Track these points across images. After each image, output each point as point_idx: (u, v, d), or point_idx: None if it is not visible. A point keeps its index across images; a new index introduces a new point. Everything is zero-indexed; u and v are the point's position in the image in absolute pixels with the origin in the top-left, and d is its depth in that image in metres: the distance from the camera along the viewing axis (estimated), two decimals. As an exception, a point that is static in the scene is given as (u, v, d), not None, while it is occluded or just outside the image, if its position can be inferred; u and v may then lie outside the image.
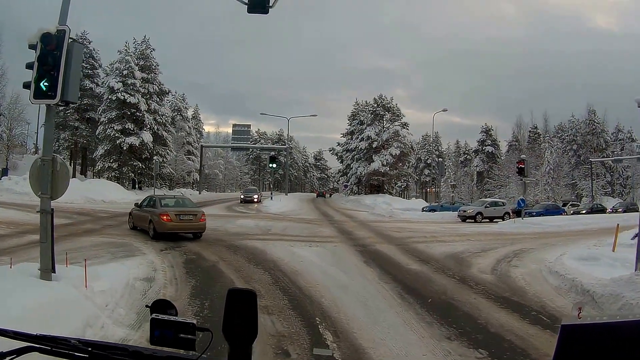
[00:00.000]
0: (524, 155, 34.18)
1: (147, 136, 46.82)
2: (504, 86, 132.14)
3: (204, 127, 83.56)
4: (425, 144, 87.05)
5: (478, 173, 74.67)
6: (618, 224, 14.20)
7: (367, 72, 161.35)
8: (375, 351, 5.57)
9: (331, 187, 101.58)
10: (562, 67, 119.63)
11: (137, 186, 49.05)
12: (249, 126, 68.06)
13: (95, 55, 53.04)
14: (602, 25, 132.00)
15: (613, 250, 12.70)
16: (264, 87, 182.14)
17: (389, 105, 59.57)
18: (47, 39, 6.18)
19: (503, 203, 33.97)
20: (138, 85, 47.07)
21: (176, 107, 62.34)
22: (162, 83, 51.86)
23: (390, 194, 57.21)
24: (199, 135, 73.81)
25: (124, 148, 46.38)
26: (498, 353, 5.63)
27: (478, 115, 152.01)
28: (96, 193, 33.25)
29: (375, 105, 59.71)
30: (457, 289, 9.22)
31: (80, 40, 50.80)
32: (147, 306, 1.66)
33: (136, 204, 17.31)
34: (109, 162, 46.86)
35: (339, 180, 76.99)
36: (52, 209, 6.37)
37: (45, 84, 6.14)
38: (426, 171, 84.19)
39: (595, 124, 67.59)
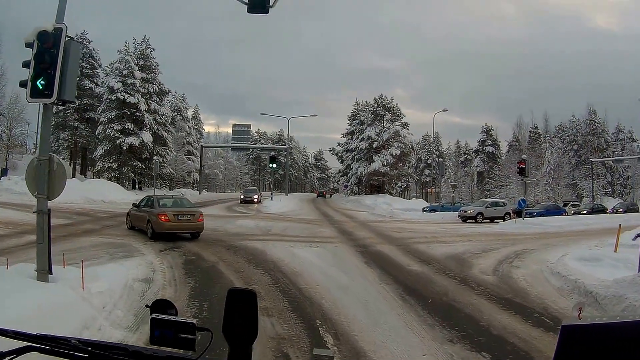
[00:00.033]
0: (525, 156, 34.10)
1: (147, 136, 46.74)
2: (504, 86, 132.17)
3: (204, 127, 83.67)
4: (426, 144, 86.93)
5: (478, 173, 74.58)
6: (620, 225, 14.10)
7: (367, 72, 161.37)
8: (377, 354, 5.48)
9: (331, 187, 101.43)
10: (562, 67, 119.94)
11: (137, 186, 48.97)
12: (249, 126, 68.00)
13: (95, 55, 52.98)
14: (602, 25, 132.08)
15: (615, 251, 12.61)
16: (264, 87, 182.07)
17: (389, 105, 59.49)
18: (44, 37, 6.09)
19: (504, 203, 33.89)
20: (138, 85, 46.98)
21: (176, 107, 62.27)
22: (162, 83, 51.80)
23: (391, 194, 57.10)
24: (199, 135, 73.74)
25: (124, 148, 46.30)
26: (501, 356, 5.55)
27: (478, 116, 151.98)
28: (96, 193, 33.19)
29: (376, 105, 59.62)
30: (459, 290, 9.13)
31: (79, 40, 51.07)
32: (147, 306, 1.66)
33: (134, 204, 17.30)
34: (109, 162, 46.77)
35: (339, 181, 76.89)
36: (49, 210, 6.29)
37: (42, 82, 6.05)
38: (426, 171, 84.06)
39: (595, 124, 67.52)
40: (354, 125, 66.31)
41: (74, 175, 48.51)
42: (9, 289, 5.44)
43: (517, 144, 73.32)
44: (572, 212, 40.43)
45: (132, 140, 45.95)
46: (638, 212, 40.36)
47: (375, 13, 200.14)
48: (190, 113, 69.76)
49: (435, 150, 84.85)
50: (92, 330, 5.38)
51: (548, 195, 57.57)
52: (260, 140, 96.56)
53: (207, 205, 36.48)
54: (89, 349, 1.52)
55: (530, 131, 75.80)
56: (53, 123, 50.84)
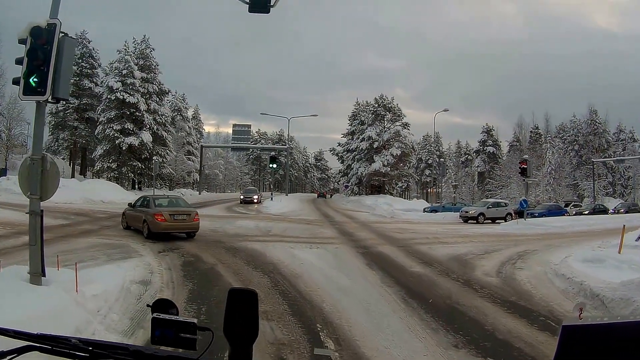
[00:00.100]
0: (527, 156, 33.88)
1: (146, 136, 46.58)
2: (504, 86, 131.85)
3: (204, 127, 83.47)
4: (426, 144, 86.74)
5: (479, 173, 74.41)
6: (624, 225, 13.91)
7: (368, 72, 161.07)
8: (379, 360, 5.32)
9: (332, 187, 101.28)
10: (563, 67, 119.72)
11: (136, 186, 48.80)
12: (249, 126, 67.80)
13: (94, 55, 52.79)
14: (602, 25, 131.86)
15: (619, 252, 12.40)
16: (264, 87, 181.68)
17: (389, 106, 59.28)
18: (37, 33, 5.93)
19: (505, 204, 33.68)
20: (137, 85, 46.82)
21: (176, 107, 62.09)
22: (161, 83, 51.67)
23: (391, 194, 56.88)
24: (199, 136, 73.57)
25: (123, 148, 46.13)
26: (508, 362, 5.39)
27: (479, 116, 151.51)
28: (95, 193, 33.04)
29: (376, 105, 59.43)
30: (462, 293, 8.98)
31: (79, 39, 50.95)
32: (148, 305, 1.64)
33: (130, 204, 17.39)
34: (108, 162, 46.61)
35: (339, 181, 76.70)
36: (42, 210, 6.11)
37: (35, 79, 5.89)
38: (427, 171, 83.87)
39: (596, 124, 67.39)
40: (354, 126, 66.12)
41: (73, 176, 48.40)
42: (0, 291, 5.27)
43: (518, 144, 73.19)
44: (574, 212, 40.27)
45: (132, 140, 45.78)
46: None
47: (376, 13, 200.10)
48: (190, 113, 69.63)
49: (436, 151, 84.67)
50: (85, 335, 5.21)
51: (549, 195, 57.38)
52: (260, 141, 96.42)
53: (206, 206, 36.34)
54: (90, 348, 1.51)
55: (531, 131, 75.68)
56: (53, 123, 50.87)
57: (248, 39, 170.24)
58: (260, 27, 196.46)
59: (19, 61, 6.10)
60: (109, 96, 46.24)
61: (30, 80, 5.91)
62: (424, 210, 39.42)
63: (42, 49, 5.91)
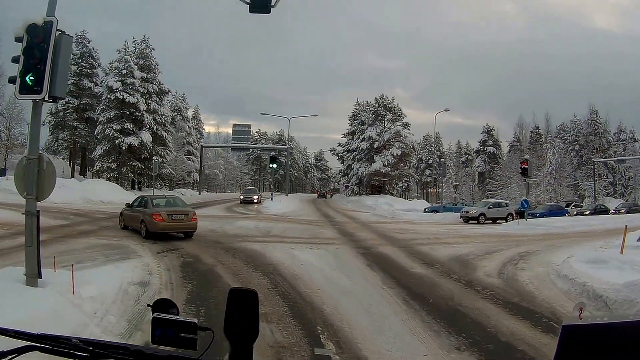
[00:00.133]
0: (528, 156, 33.79)
1: (146, 136, 46.47)
2: (505, 86, 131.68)
3: (204, 127, 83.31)
4: (427, 144, 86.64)
5: (479, 173, 74.31)
6: (626, 226, 13.82)
7: (368, 72, 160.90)
8: (381, 364, 5.23)
9: (332, 187, 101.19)
10: (563, 67, 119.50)
11: (136, 187, 48.71)
12: (249, 126, 67.68)
13: (94, 55, 52.67)
14: (603, 26, 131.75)
15: (621, 253, 12.32)
16: (264, 87, 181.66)
17: (390, 106, 59.20)
18: (34, 31, 5.84)
19: (506, 204, 33.56)
20: (137, 85, 46.72)
21: (176, 107, 61.97)
22: (161, 83, 51.55)
23: (392, 194, 56.79)
24: (199, 136, 73.44)
25: (123, 148, 46.01)
26: (512, 365, 5.30)
27: (479, 116, 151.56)
28: (94, 193, 32.96)
29: (377, 105, 59.35)
30: (464, 294, 8.89)
31: (79, 39, 50.88)
32: (148, 305, 1.65)
33: (127, 204, 17.41)
34: (108, 162, 46.50)
35: (339, 181, 76.61)
36: (38, 211, 6.02)
37: (31, 78, 5.80)
38: (427, 172, 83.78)
39: (597, 124, 67.30)
40: (354, 126, 66.06)
41: (73, 176, 48.31)
42: (-5, 294, 5.18)
43: (518, 144, 73.15)
44: (575, 212, 40.16)
45: (132, 140, 45.66)
46: (641, 212, 40.05)
47: (376, 13, 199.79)
48: (190, 113, 69.49)
49: (436, 151, 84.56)
50: (82, 338, 5.11)
51: (550, 195, 57.29)
52: (260, 141, 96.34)
53: (206, 206, 36.24)
54: (90, 348, 1.51)
55: (531, 131, 75.63)
56: (52, 123, 50.76)
57: (248, 39, 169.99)
58: (260, 27, 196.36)
59: (15, 59, 6.01)
60: (108, 96, 46.13)
61: (27, 78, 5.82)
62: (425, 211, 39.31)
63: (38, 47, 5.82)
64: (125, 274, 8.80)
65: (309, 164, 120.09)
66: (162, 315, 1.54)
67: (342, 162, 68.35)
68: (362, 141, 59.21)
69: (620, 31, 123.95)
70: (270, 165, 45.96)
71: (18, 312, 4.75)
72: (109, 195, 32.88)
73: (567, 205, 44.00)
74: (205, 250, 13.14)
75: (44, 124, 51.61)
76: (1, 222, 16.76)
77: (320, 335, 6.08)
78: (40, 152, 6.03)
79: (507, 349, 5.86)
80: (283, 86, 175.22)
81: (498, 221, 28.99)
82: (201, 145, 67.27)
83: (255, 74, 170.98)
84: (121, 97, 45.57)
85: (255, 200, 42.58)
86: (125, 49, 48.31)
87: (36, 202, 5.95)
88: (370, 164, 56.65)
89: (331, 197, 72.99)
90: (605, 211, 41.08)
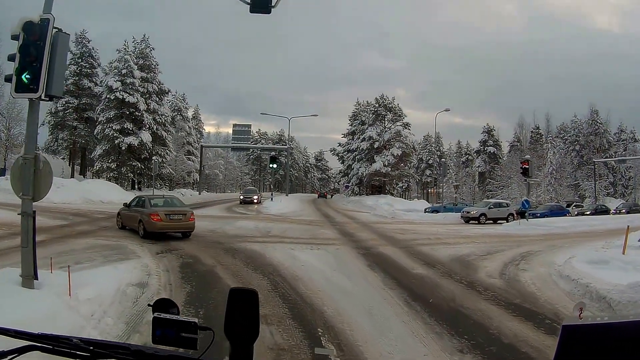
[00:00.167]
0: (529, 156, 33.69)
1: (146, 136, 46.33)
2: (505, 86, 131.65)
3: (204, 127, 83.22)
4: (427, 144, 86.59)
5: (480, 174, 74.24)
6: (628, 226, 13.74)
7: (369, 73, 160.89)
8: (383, 367, 5.14)
9: (332, 187, 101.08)
10: (563, 68, 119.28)
11: (136, 187, 48.59)
12: (249, 126, 67.56)
13: (94, 55, 52.55)
14: (603, 26, 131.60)
15: (623, 253, 12.26)
16: (264, 87, 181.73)
17: (390, 105, 59.10)
18: (30, 29, 5.76)
19: (507, 204, 33.48)
20: (137, 85, 46.59)
21: (176, 107, 61.86)
22: (161, 82, 51.38)
23: (392, 194, 56.67)
24: (199, 136, 73.32)
25: (123, 148, 45.87)
26: (515, 368, 5.21)
27: (479, 116, 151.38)
28: (94, 193, 32.89)
29: (377, 105, 59.25)
30: (466, 295, 8.80)
31: (79, 39, 50.78)
32: (149, 305, 1.65)
33: (125, 204, 17.45)
34: (108, 162, 46.35)
35: (339, 181, 76.54)
36: (34, 212, 5.93)
37: (27, 76, 5.71)
38: (427, 172, 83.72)
39: (598, 124, 67.22)
40: (355, 126, 65.98)
41: (72, 176, 48.21)
42: (-10, 296, 5.09)
43: (518, 144, 73.13)
44: (576, 212, 40.09)
45: (131, 140, 45.52)
46: (641, 212, 39.97)
47: (377, 13, 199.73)
48: (190, 113, 69.37)
49: (437, 151, 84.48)
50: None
51: (550, 196, 57.21)
52: (260, 141, 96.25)
53: (206, 206, 36.17)
54: (91, 348, 1.51)
55: (531, 131, 75.62)
56: (52, 123, 50.64)
57: (248, 39, 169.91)
58: (260, 27, 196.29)
59: (11, 58, 5.92)
60: (108, 96, 45.98)
61: (23, 77, 5.73)
62: (425, 211, 39.23)
63: (34, 44, 5.74)
64: (124, 275, 8.72)
65: (309, 164, 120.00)
66: (163, 315, 1.54)
67: (342, 162, 68.28)
68: (362, 141, 59.11)
69: (621, 32, 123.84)
70: (271, 165, 45.87)
71: (13, 314, 4.65)
72: (109, 195, 32.81)
73: (568, 206, 43.94)
74: (204, 250, 13.05)
75: (43, 124, 51.56)
76: (1, 222, 16.66)
77: (321, 338, 5.99)
78: (36, 151, 5.93)
79: (511, 351, 5.77)
80: (283, 86, 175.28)
81: (499, 221, 28.92)
82: (201, 145, 67.14)
83: (255, 74, 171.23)
84: (121, 96, 45.44)
85: (255, 201, 42.49)
86: (125, 48, 48.17)
87: (32, 202, 5.85)
88: (371, 164, 56.54)
89: (331, 197, 72.87)
90: (606, 211, 41.01)
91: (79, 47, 51.02)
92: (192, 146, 63.76)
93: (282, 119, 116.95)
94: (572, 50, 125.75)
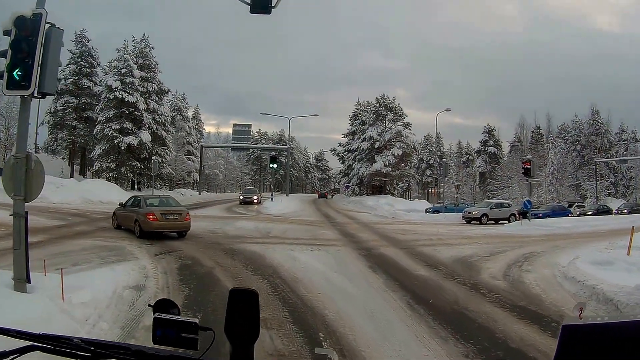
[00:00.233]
0: (530, 156, 33.50)
1: (145, 136, 46.13)
2: (506, 87, 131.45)
3: (204, 127, 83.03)
4: (427, 144, 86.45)
5: (480, 174, 74.08)
6: (633, 227, 13.56)
7: (369, 73, 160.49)
8: (387, 374, 4.96)
9: (332, 187, 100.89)
10: (564, 68, 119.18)
11: (136, 187, 48.40)
12: (249, 126, 67.44)
13: (93, 54, 52.35)
14: (604, 27, 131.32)
15: (628, 254, 12.07)
16: (264, 87, 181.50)
17: (391, 105, 58.86)
18: (21, 24, 5.58)
19: (509, 204, 33.33)
20: (137, 84, 46.41)
21: (176, 107, 61.67)
22: (161, 82, 51.18)
23: (392, 194, 56.49)
24: (199, 135, 73.14)
25: (122, 148, 45.66)
26: (524, 374, 5.04)
27: (480, 116, 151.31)
28: (93, 194, 32.75)
29: (378, 105, 59.01)
30: (470, 298, 8.63)
31: (79, 38, 50.61)
32: (149, 305, 1.65)
33: (120, 204, 17.48)
34: (107, 162, 46.14)
35: (340, 181, 76.34)
36: (26, 212, 5.75)
37: (19, 73, 5.54)
38: (428, 172, 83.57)
39: (599, 124, 67.08)
40: (355, 126, 65.81)
41: (72, 175, 48.03)
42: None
43: (519, 144, 72.98)
44: (578, 213, 39.93)
45: (131, 139, 45.32)
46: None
47: (377, 13, 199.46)
48: (190, 113, 69.18)
49: (437, 151, 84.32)
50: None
51: (552, 196, 57.07)
52: (260, 141, 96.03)
53: (206, 206, 36.03)
54: (92, 348, 1.51)
55: (532, 131, 75.52)
56: (51, 122, 50.43)
57: (249, 39, 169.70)
58: (261, 27, 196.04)
59: (2, 54, 5.74)
60: (107, 95, 45.77)
61: (14, 73, 5.55)
62: (426, 211, 39.07)
63: (26, 40, 5.56)
64: (121, 277, 8.52)
65: (310, 164, 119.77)
66: (163, 316, 1.53)
67: (343, 162, 68.10)
68: (362, 141, 58.91)
69: (621, 32, 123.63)
70: (271, 166, 45.71)
71: (2, 318, 4.46)
72: (108, 195, 32.58)
73: (570, 206, 43.78)
74: (203, 251, 12.88)
75: (42, 124, 51.46)
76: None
77: (323, 343, 5.80)
78: (28, 150, 5.75)
79: (518, 356, 5.60)
80: (283, 86, 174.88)
81: (500, 222, 28.78)
82: (201, 145, 66.98)
83: (255, 74, 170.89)
84: (120, 96, 45.24)
85: (255, 201, 42.35)
86: (124, 48, 47.99)
87: (24, 203, 5.67)
88: (371, 164, 56.34)
89: (332, 197, 72.70)
90: (608, 211, 40.85)
91: (79, 46, 50.83)
92: (192, 146, 63.58)
93: (282, 118, 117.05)
94: (572, 51, 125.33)
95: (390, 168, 54.97)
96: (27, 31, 5.59)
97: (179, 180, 59.40)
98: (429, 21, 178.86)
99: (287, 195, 50.24)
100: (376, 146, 56.70)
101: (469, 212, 30.45)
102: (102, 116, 46.01)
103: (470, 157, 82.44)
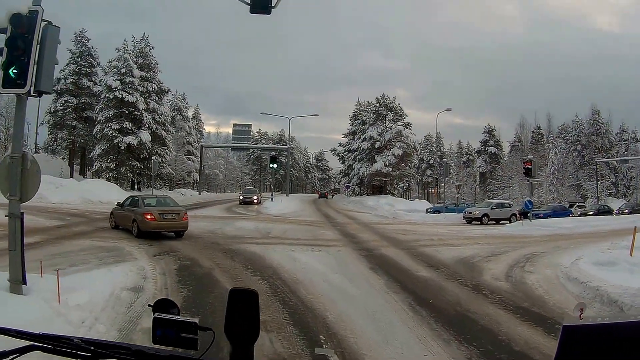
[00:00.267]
0: (531, 156, 33.38)
1: (145, 135, 46.01)
2: (506, 87, 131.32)
3: (204, 127, 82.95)
4: (428, 144, 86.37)
5: (481, 174, 74.02)
6: (636, 227, 13.45)
7: (369, 73, 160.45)
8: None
9: (332, 187, 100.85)
10: (564, 68, 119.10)
11: (135, 187, 48.30)
12: (249, 126, 67.38)
13: (93, 54, 52.24)
14: (604, 27, 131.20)
15: (630, 255, 11.97)
16: (265, 87, 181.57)
17: (391, 105, 58.76)
18: (17, 21, 5.47)
19: (509, 204, 33.24)
20: (136, 84, 46.30)
21: (176, 107, 61.59)
22: (161, 82, 51.08)
23: (393, 194, 56.43)
24: (199, 135, 73.06)
25: (122, 148, 45.55)
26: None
27: (480, 116, 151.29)
28: (93, 194, 32.67)
29: (378, 105, 58.91)
30: (472, 299, 8.53)
31: (79, 38, 50.50)
32: (149, 305, 1.64)
33: (118, 204, 17.49)
34: (107, 162, 46.02)
35: (340, 181, 76.30)
36: (22, 213, 5.65)
37: (14, 71, 5.44)
38: (428, 172, 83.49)
39: (599, 124, 67.01)
40: (355, 126, 65.75)
41: (72, 175, 47.92)
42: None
43: (519, 144, 72.91)
44: (579, 213, 39.83)
45: (130, 139, 45.21)
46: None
47: (377, 13, 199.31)
48: (190, 113, 69.10)
49: (437, 151, 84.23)
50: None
51: (552, 196, 56.99)
52: (261, 141, 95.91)
53: (206, 206, 35.94)
54: (92, 348, 1.51)
55: (533, 131, 75.44)
56: (51, 122, 50.32)
57: (249, 39, 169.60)
58: (261, 27, 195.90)
59: (-2, 52, 5.64)
60: (107, 95, 45.65)
61: (10, 71, 5.46)
62: (427, 211, 38.96)
63: (22, 37, 5.47)
64: (119, 278, 8.42)
65: (310, 164, 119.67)
66: (163, 315, 1.53)
67: (343, 162, 68.04)
68: (363, 141, 58.82)
69: (621, 32, 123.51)
70: (271, 165, 45.62)
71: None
72: (108, 195, 32.48)
73: (571, 206, 43.68)
74: (203, 252, 12.78)
75: (42, 124, 51.39)
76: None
77: (324, 346, 5.71)
78: (24, 150, 5.65)
79: (522, 360, 5.51)
80: (283, 86, 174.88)
81: (501, 222, 28.68)
82: (201, 145, 66.90)
83: (255, 74, 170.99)
84: (120, 96, 45.13)
85: (255, 201, 42.25)
86: (124, 47, 47.88)
87: (20, 203, 5.57)
88: (372, 164, 56.23)
89: (332, 197, 72.60)
90: (609, 212, 40.79)
91: (78, 46, 50.71)
92: (192, 146, 63.50)
93: (282, 118, 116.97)
94: (572, 51, 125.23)
95: (391, 168, 54.88)
96: (23, 28, 5.49)
97: (179, 180, 59.32)
98: (429, 21, 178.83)
99: (287, 195, 50.14)
100: (376, 146, 56.60)
101: (470, 212, 30.35)
102: (102, 116, 45.90)
103: (471, 157, 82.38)
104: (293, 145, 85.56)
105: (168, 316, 1.53)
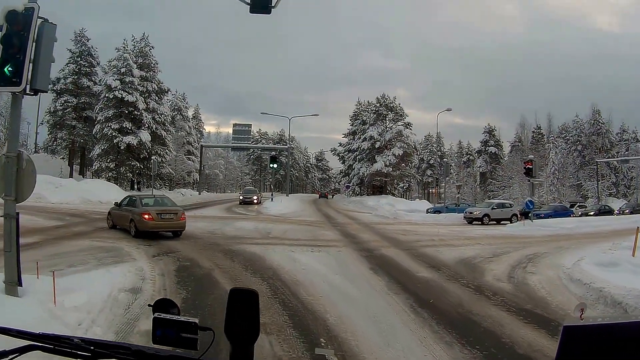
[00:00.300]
0: (532, 156, 33.30)
1: (145, 135, 45.90)
2: (506, 86, 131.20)
3: (204, 127, 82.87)
4: (428, 144, 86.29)
5: (481, 174, 73.93)
6: (638, 227, 13.36)
7: (369, 73, 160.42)
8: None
9: (333, 187, 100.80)
10: (564, 68, 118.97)
11: (135, 187, 48.20)
12: (249, 126, 67.30)
13: (93, 53, 52.14)
14: (605, 27, 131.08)
15: (633, 255, 11.89)
16: (265, 87, 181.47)
17: (392, 105, 58.66)
18: (12, 18, 5.38)
19: (510, 205, 33.15)
20: (136, 84, 46.20)
21: (176, 107, 61.51)
22: (161, 81, 50.98)
23: (393, 194, 56.33)
24: (199, 135, 72.97)
25: (122, 147, 45.43)
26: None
27: (480, 116, 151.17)
28: (92, 194, 32.60)
29: (378, 104, 58.81)
30: (474, 301, 8.44)
31: (78, 37, 50.42)
32: (149, 305, 1.64)
33: (115, 204, 17.50)
34: (106, 162, 45.90)
35: (340, 181, 76.23)
36: (17, 213, 5.55)
37: (10, 69, 5.34)
38: (429, 172, 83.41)
39: (600, 124, 66.93)
40: (355, 125, 65.67)
41: (71, 175, 47.85)
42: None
43: (520, 144, 72.84)
44: (580, 213, 39.75)
45: (130, 139, 45.09)
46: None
47: (377, 13, 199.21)
48: (190, 113, 69.01)
49: (438, 151, 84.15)
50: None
51: (553, 196, 56.91)
52: (261, 140, 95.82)
53: (205, 206, 35.86)
54: (92, 348, 1.51)
55: (533, 131, 75.39)
56: (51, 122, 50.25)
57: (249, 39, 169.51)
58: (261, 27, 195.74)
59: (-7, 49, 5.54)
60: (107, 95, 45.53)
61: (5, 69, 5.36)
62: (428, 211, 38.85)
63: (17, 35, 5.38)
64: (117, 279, 8.32)
65: (310, 164, 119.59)
66: (163, 315, 1.53)
67: (343, 162, 67.96)
68: (363, 141, 58.72)
69: (622, 32, 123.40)
70: (271, 165, 45.54)
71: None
72: (107, 195, 32.39)
73: (572, 206, 43.60)
74: (202, 253, 12.69)
75: (42, 123, 51.32)
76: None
77: (324, 348, 5.61)
78: (19, 149, 5.56)
79: (526, 363, 5.42)
80: (283, 86, 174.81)
81: (502, 222, 28.59)
82: (201, 145, 66.79)
83: (255, 74, 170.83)
84: (120, 95, 45.02)
85: (255, 201, 42.16)
86: (124, 47, 47.79)
87: (15, 203, 5.48)
88: (372, 164, 56.13)
89: (332, 197, 72.51)
90: (610, 212, 40.71)
91: (78, 45, 50.62)
92: (192, 146, 63.41)
93: (282, 118, 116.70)
94: (572, 51, 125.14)
95: (391, 168, 54.77)
96: (18, 26, 5.41)
97: (179, 180, 59.22)
98: (429, 21, 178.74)
99: (287, 196, 50.04)
100: (377, 146, 56.50)
101: (471, 213, 30.25)
102: (102, 116, 45.78)
103: (471, 157, 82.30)
104: (293, 145, 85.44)
105: (168, 316, 1.53)
